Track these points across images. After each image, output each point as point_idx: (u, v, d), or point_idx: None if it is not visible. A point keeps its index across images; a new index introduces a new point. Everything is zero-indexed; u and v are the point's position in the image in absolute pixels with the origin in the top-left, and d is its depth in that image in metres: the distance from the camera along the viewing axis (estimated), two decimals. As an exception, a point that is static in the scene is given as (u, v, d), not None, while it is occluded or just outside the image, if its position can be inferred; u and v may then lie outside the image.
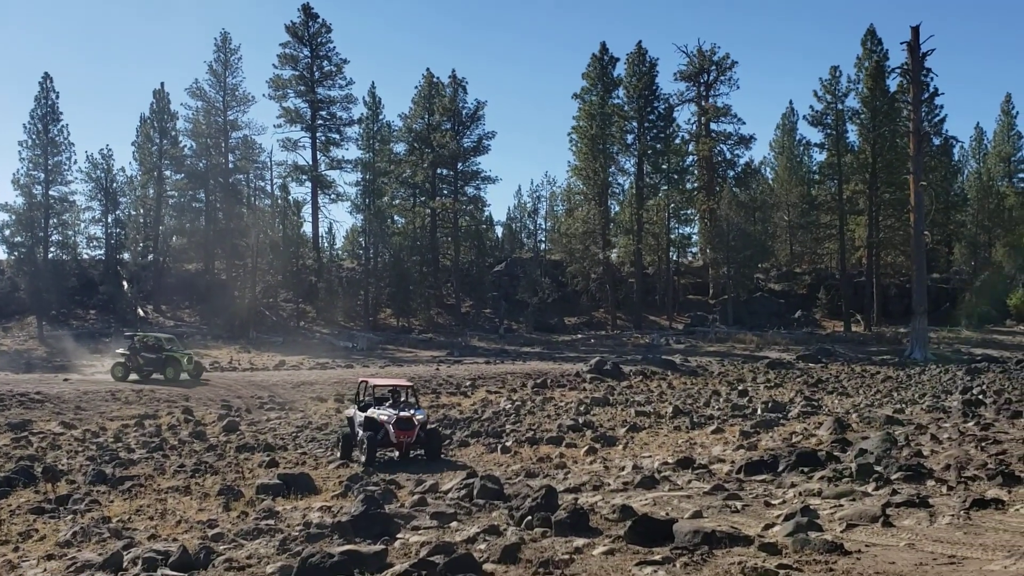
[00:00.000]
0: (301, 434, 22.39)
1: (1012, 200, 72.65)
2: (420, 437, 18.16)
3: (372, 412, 18.38)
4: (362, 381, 21.19)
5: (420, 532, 9.94)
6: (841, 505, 10.44)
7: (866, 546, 8.13)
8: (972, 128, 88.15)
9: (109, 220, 63.50)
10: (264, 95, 69.55)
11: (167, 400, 28.95)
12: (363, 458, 17.42)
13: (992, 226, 67.61)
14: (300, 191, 70.40)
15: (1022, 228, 67.14)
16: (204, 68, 67.98)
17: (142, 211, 67.58)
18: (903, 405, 24.16)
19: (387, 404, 19.07)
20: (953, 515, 9.38)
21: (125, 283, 61.74)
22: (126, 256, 66.07)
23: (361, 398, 20.04)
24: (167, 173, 66.84)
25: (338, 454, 18.48)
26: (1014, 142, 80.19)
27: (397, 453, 18.12)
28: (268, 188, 70.73)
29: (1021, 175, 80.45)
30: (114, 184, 63.39)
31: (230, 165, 67.21)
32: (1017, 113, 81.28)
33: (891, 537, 8.56)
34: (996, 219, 68.06)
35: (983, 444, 15.13)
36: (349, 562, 7.48)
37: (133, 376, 33.41)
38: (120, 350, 34.06)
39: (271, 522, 11.06)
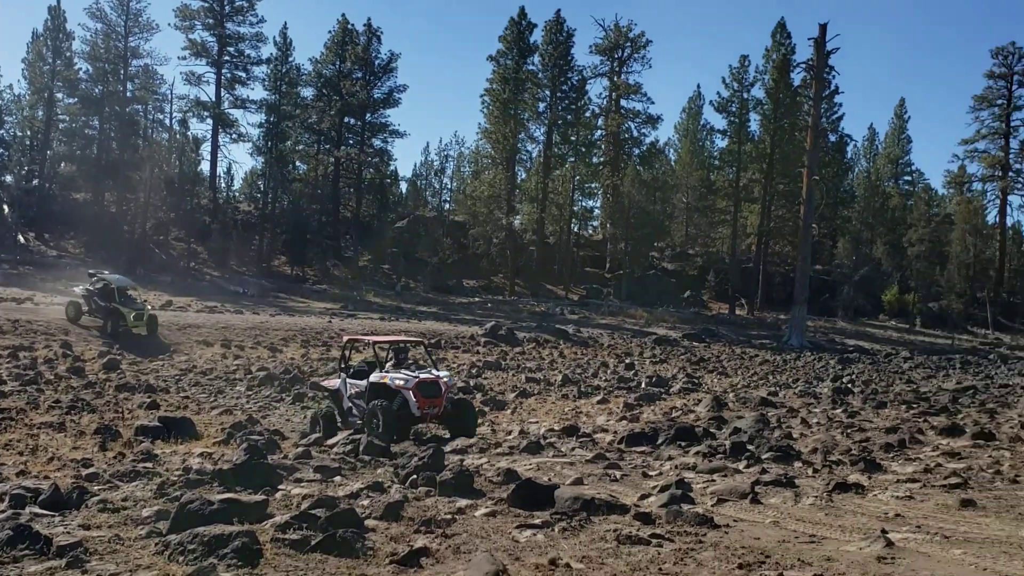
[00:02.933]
0: (185, 377, 21.88)
1: (896, 201, 76.23)
2: (446, 409, 14.92)
3: (379, 376, 14.99)
4: (350, 340, 17.74)
5: (303, 485, 9.90)
6: (713, 480, 10.89)
7: (734, 521, 8.53)
8: (866, 128, 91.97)
9: (-9, 139, 59.96)
10: (169, 24, 66.78)
11: (45, 333, 27.71)
12: (381, 433, 13.67)
13: (875, 224, 70.81)
14: (200, 127, 68.07)
15: (902, 228, 70.60)
16: (105, -12, 64.19)
17: (29, 133, 63.93)
18: (777, 388, 25.23)
19: (389, 366, 15.76)
20: (817, 496, 9.93)
21: (5, 207, 58.43)
22: (8, 179, 62.51)
23: (349, 361, 16.90)
24: (59, 96, 63.22)
25: (313, 439, 14.41)
26: (903, 145, 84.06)
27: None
28: (167, 122, 67.81)
29: (907, 178, 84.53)
30: (-1, 102, 59.78)
31: (128, 94, 64.05)
32: (909, 118, 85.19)
33: (758, 514, 9.01)
34: (880, 218, 71.32)
35: (848, 431, 15.98)
36: (229, 510, 7.40)
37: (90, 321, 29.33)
38: (78, 288, 30.20)
39: (149, 465, 10.82)
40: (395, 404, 14.40)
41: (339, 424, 15.42)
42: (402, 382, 14.61)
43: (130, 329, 27.89)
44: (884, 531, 7.74)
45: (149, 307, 29.62)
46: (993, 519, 8.99)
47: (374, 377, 15.06)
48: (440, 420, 15.12)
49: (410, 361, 16.60)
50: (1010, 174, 72.98)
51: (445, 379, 15.26)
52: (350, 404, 15.42)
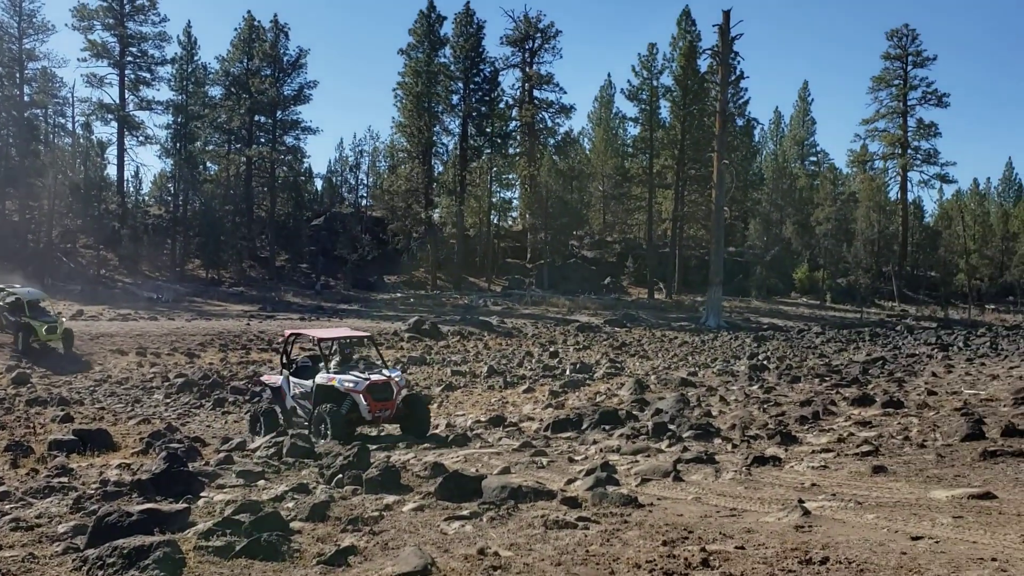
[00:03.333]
0: (99, 388, 21.21)
1: (803, 181, 78.48)
2: (398, 408, 14.38)
3: (326, 377, 14.21)
4: (291, 334, 16.66)
5: (226, 491, 9.74)
6: (637, 461, 11.10)
7: (658, 499, 8.71)
8: (772, 112, 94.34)
9: None
10: (67, 25, 64.19)
11: (-56, 350, 26.51)
12: (324, 442, 12.97)
13: (784, 205, 72.75)
14: (105, 131, 66.16)
15: (810, 208, 72.75)
16: (-6, -11, 61.49)
17: (-79, 142, 60.89)
18: (697, 368, 25.79)
19: (334, 364, 14.92)
20: (736, 471, 10.21)
21: None
22: (-101, 190, 59.38)
23: (291, 357, 16.19)
24: (-49, 101, 60.40)
25: (255, 439, 14.14)
26: (808, 127, 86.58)
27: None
28: (69, 126, 65.43)
29: (812, 158, 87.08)
30: None
31: (26, 98, 61.58)
32: (812, 100, 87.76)
33: (681, 491, 9.22)
34: (788, 199, 73.29)
35: (765, 406, 16.46)
36: (149, 521, 7.23)
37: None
38: None
39: (64, 480, 10.47)
40: (344, 408, 13.74)
41: (281, 423, 14.89)
42: (352, 384, 13.87)
43: (43, 344, 26.26)
44: (801, 501, 8.00)
45: (63, 320, 27.73)
46: (903, 483, 9.38)
47: (321, 378, 14.24)
48: (392, 421, 14.57)
49: (356, 357, 15.80)
50: (909, 151, 75.93)
51: (397, 379, 14.53)
52: (294, 404, 14.78)
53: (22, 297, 27.14)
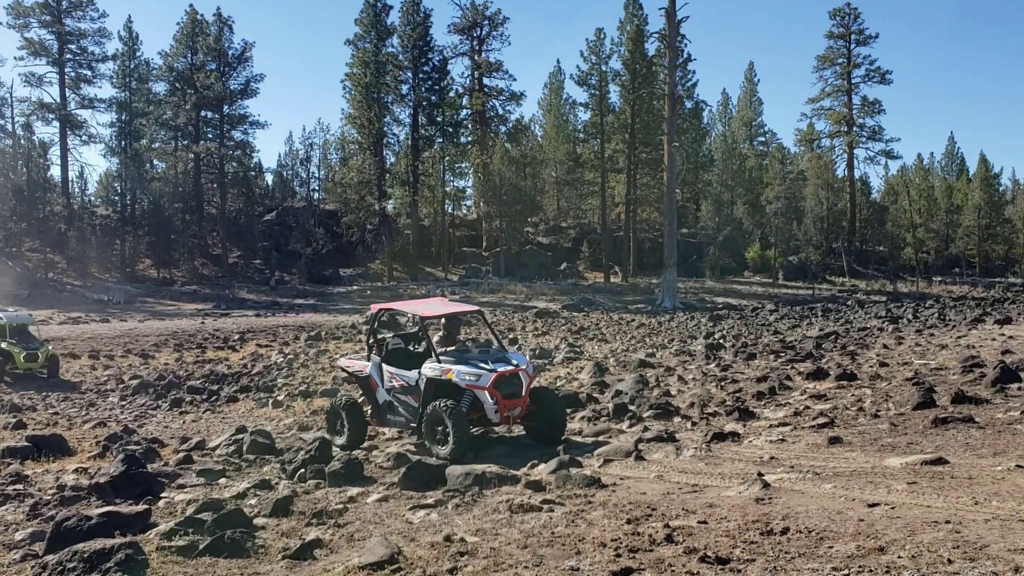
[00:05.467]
0: (52, 393, 20.77)
1: (752, 162, 79.42)
2: (528, 407, 11.47)
3: (439, 368, 11.19)
4: (380, 310, 13.42)
5: (186, 490, 9.63)
6: (599, 442, 11.19)
7: (621, 479, 8.81)
8: (719, 94, 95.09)
9: None
10: (2, 23, 62.52)
11: None
12: (445, 449, 10.57)
13: (735, 185, 73.57)
14: (47, 131, 64.41)
15: (759, 187, 73.66)
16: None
17: None
18: (654, 349, 25.99)
19: (443, 351, 11.73)
20: (696, 448, 10.35)
21: None
22: None
23: (381, 339, 12.99)
24: None
25: (340, 440, 11.93)
26: (755, 108, 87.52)
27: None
28: (9, 127, 63.79)
29: (760, 139, 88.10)
30: None
31: (-39, 99, 60.00)
32: (759, 81, 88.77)
33: (643, 470, 9.32)
34: (738, 179, 74.12)
35: (722, 383, 16.67)
36: (109, 524, 7.13)
37: None
38: None
39: (19, 487, 10.25)
40: (463, 406, 10.93)
41: (369, 419, 12.34)
42: (473, 377, 10.96)
43: (22, 371, 23.38)
44: (760, 474, 8.14)
45: (49, 346, 25.06)
46: (859, 453, 9.59)
47: (430, 369, 11.26)
48: (520, 422, 11.65)
49: (460, 339, 12.76)
50: (855, 129, 77.21)
51: (525, 368, 11.51)
52: (390, 399, 11.88)
53: (8, 321, 24.57)
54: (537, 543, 6.41)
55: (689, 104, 72.19)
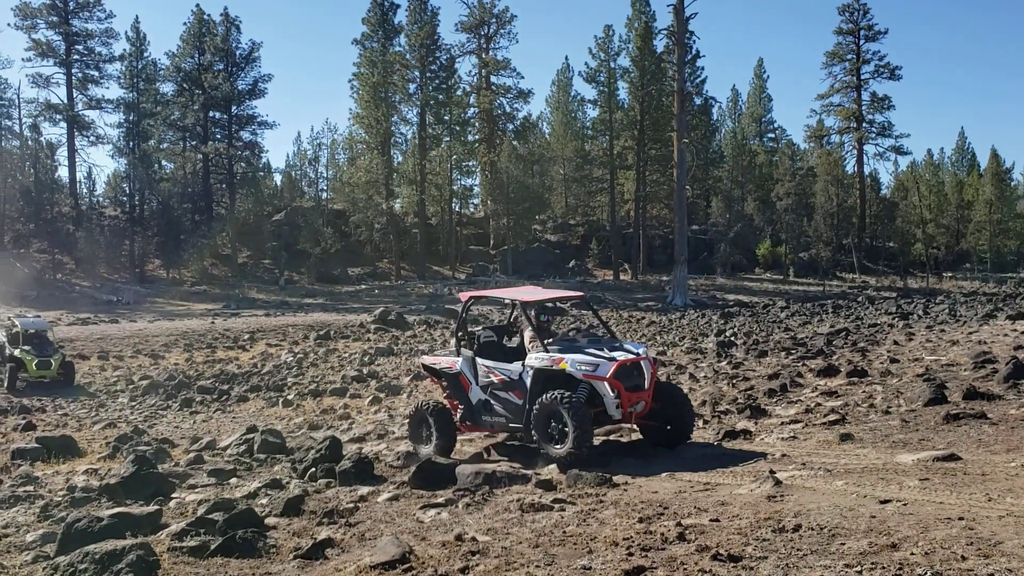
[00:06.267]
0: (62, 394, 20.86)
1: (762, 158, 79.16)
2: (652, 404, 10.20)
3: (549, 358, 9.91)
4: (472, 298, 12.18)
5: (197, 490, 9.65)
6: (609, 441, 11.16)
7: (632, 478, 8.78)
8: (729, 90, 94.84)
9: None
10: (9, 24, 62.80)
11: (-102, 363, 25.88)
12: (562, 448, 9.41)
13: (745, 181, 73.33)
14: (54, 132, 64.66)
15: (770, 184, 73.41)
16: (-68, -11, 60.19)
17: None
18: (665, 347, 25.95)
19: (549, 340, 10.46)
20: (708, 446, 10.31)
21: None
22: None
23: (470, 330, 11.79)
24: None
25: (427, 449, 10.67)
26: (765, 104, 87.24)
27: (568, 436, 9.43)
28: (16, 128, 64.06)
29: (770, 135, 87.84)
30: None
31: (-32, 101, 60.27)
32: (768, 77, 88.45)
33: (655, 469, 9.30)
34: (748, 175, 73.87)
35: (734, 381, 16.63)
36: (120, 524, 7.15)
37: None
38: None
39: (30, 488, 10.30)
40: (579, 395, 9.67)
41: (459, 423, 10.98)
42: (590, 367, 9.64)
43: (36, 379, 22.54)
44: (772, 471, 8.11)
45: (63, 352, 24.37)
46: (870, 449, 9.54)
47: (537, 359, 9.99)
48: (643, 419, 10.21)
49: (556, 330, 11.57)
50: (864, 125, 76.85)
51: (641, 353, 10.28)
52: (486, 397, 10.62)
53: (24, 328, 24.00)
54: (549, 542, 6.39)
55: (698, 100, 72.09)
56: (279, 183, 79.96)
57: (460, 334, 11.42)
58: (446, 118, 68.30)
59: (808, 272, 66.58)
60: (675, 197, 55.01)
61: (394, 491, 8.73)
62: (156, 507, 8.15)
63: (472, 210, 78.78)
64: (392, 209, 66.34)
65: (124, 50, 63.93)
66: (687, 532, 6.28)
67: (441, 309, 42.94)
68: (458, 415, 11.00)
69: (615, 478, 8.65)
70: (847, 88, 77.24)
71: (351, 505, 8.20)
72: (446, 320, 38.86)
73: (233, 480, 10.25)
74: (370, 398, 18.31)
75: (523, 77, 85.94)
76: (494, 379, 10.56)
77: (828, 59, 77.28)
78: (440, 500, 8.09)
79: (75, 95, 63.94)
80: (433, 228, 68.77)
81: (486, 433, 11.38)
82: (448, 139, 68.54)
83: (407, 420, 11.82)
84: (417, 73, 67.20)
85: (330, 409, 17.31)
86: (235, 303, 48.81)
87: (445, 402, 11.31)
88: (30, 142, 61.62)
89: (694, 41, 60.55)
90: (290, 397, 18.95)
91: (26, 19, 61.82)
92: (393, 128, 68.56)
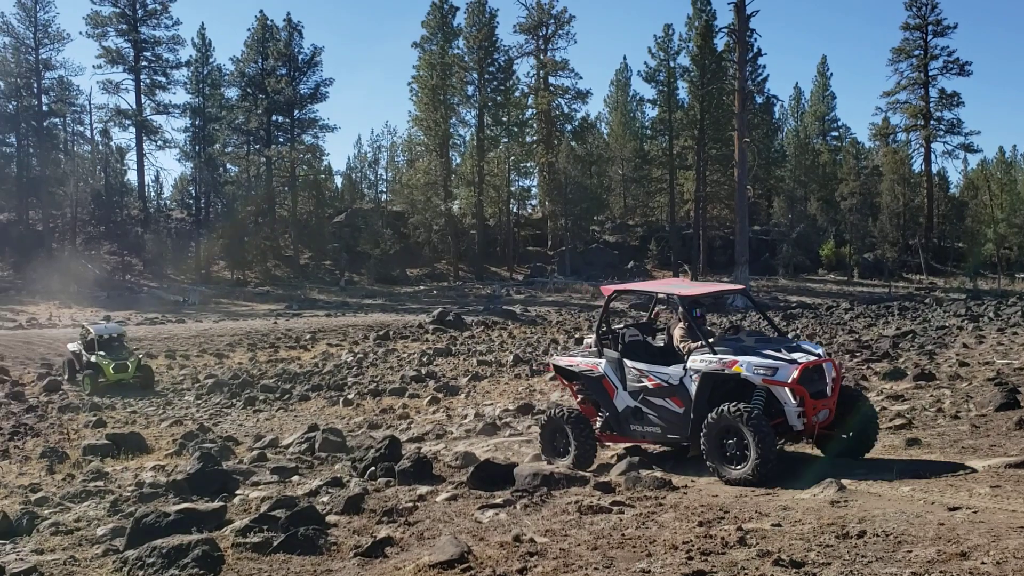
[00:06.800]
0: (130, 392, 21.43)
1: (825, 157, 77.68)
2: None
3: (718, 360, 8.85)
4: (616, 292, 11.36)
5: (260, 487, 9.82)
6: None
7: (692, 481, 8.69)
8: (791, 88, 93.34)
9: (-98, 164, 57.70)
10: (81, 33, 64.87)
11: (-23, 360, 26.93)
12: (742, 469, 8.41)
13: (808, 181, 72.09)
14: (124, 137, 66.49)
15: (833, 183, 72.03)
16: (11, 1, 62.66)
17: (-57, 155, 61.79)
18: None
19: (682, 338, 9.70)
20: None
21: (-77, 234, 56.44)
22: (-76, 204, 60.39)
23: (616, 325, 11.24)
24: (-29, 114, 61.26)
25: (563, 461, 9.83)
26: (828, 102, 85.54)
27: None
28: (88, 133, 66.23)
29: (834, 133, 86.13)
30: (-92, 125, 57.51)
31: (44, 107, 62.35)
32: (831, 75, 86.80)
33: (713, 471, 9.18)
34: (811, 175, 72.59)
35: (796, 384, 16.32)
36: (186, 520, 7.31)
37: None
38: (72, 345, 24.70)
39: (100, 483, 10.61)
40: (756, 404, 8.57)
41: (599, 431, 10.04)
42: (769, 371, 8.57)
43: (114, 382, 22.53)
44: (836, 476, 7.94)
45: (139, 355, 24.46)
46: (938, 455, 9.30)
47: (705, 362, 8.94)
48: (827, 427, 9.04)
49: (709, 327, 10.56)
50: (932, 122, 74.85)
51: (827, 357, 9.40)
52: (635, 404, 9.60)
53: (99, 333, 24.06)
54: (607, 545, 6.35)
55: (760, 99, 71.08)
56: (340, 185, 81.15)
57: (602, 333, 10.33)
58: (504, 119, 68.50)
59: (873, 273, 65.12)
60: (736, 197, 54.32)
61: (452, 491, 8.77)
62: (221, 503, 8.31)
63: (530, 211, 78.86)
64: (450, 210, 66.76)
65: (190, 56, 65.61)
66: (748, 536, 6.19)
67: (499, 310, 43.04)
68: (598, 424, 10.03)
69: (675, 480, 8.56)
70: (914, 85, 75.33)
71: (410, 504, 8.26)
72: (504, 321, 38.93)
73: (295, 478, 10.41)
74: (428, 398, 18.43)
75: (581, 77, 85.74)
76: (647, 384, 9.50)
77: (894, 55, 75.48)
78: (498, 501, 8.10)
79: (143, 101, 65.78)
80: (491, 229, 69.01)
81: (628, 444, 10.37)
82: (506, 140, 68.74)
83: (539, 429, 10.65)
84: (475, 75, 67.55)
85: (389, 409, 17.48)
86: (297, 304, 49.61)
87: (579, 409, 10.29)
88: (100, 147, 63.56)
89: (755, 39, 59.78)
90: (350, 396, 19.18)
91: (97, 27, 63.76)
92: (451, 130, 69.05)
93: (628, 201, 76.41)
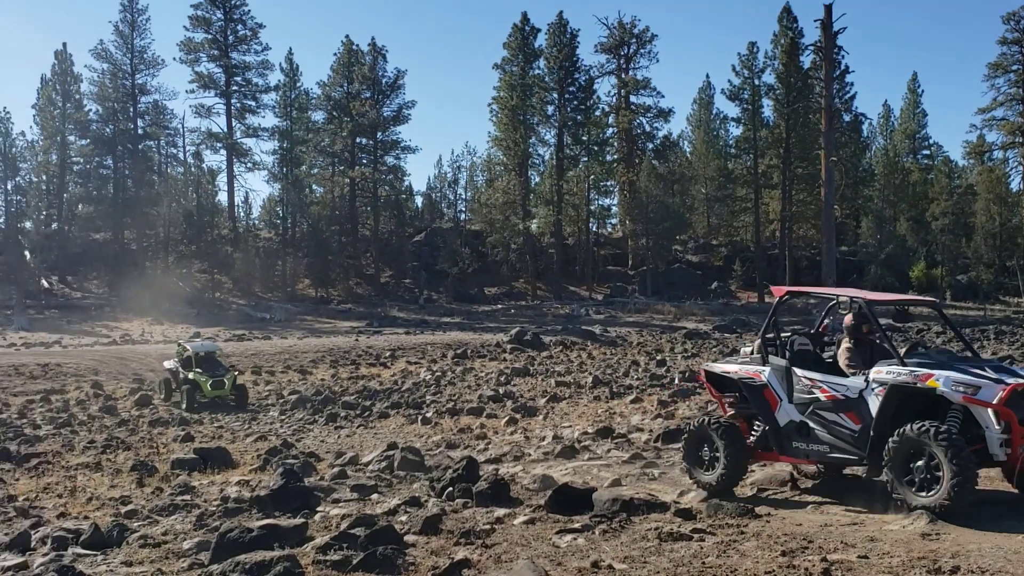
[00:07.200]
0: (218, 407, 22.00)
1: (916, 176, 75.42)
2: None
3: (909, 373, 7.95)
4: (788, 294, 10.54)
5: (341, 505, 9.92)
6: (752, 470, 10.78)
7: (775, 509, 8.44)
8: (880, 106, 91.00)
9: (8, 187, 60.65)
10: (175, 58, 67.59)
11: (75, 375, 28.08)
12: (934, 495, 7.48)
13: (897, 201, 70.08)
14: (215, 159, 68.81)
15: (924, 203, 69.83)
16: (110, 28, 65.66)
17: (44, 178, 64.81)
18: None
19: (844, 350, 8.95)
20: (858, 478, 9.79)
21: (27, 253, 59.24)
22: (28, 225, 63.42)
23: (781, 335, 9.58)
24: (71, 138, 64.42)
25: (708, 477, 9.20)
26: (919, 120, 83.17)
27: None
28: (181, 155, 68.83)
29: (925, 152, 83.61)
30: (13, 149, 60.53)
31: (139, 131, 65.07)
32: (923, 92, 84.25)
33: (799, 500, 8.92)
34: (901, 194, 70.57)
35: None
36: (269, 536, 7.43)
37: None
38: (168, 362, 25.05)
39: (187, 497, 10.88)
40: (949, 425, 7.70)
41: (752, 444, 9.26)
42: (970, 390, 7.61)
43: (210, 399, 22.78)
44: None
45: (235, 372, 24.73)
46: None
47: (892, 374, 8.04)
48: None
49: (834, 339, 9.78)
50: (1030, 139, 71.98)
51: None
52: (802, 418, 8.76)
53: (196, 351, 24.38)
54: (687, 573, 6.21)
55: (847, 117, 69.50)
56: (420, 205, 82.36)
57: (768, 339, 9.38)
58: (584, 138, 68.55)
59: (967, 296, 62.73)
60: (823, 217, 53.14)
61: (530, 514, 8.70)
62: (302, 520, 8.43)
63: (610, 230, 78.56)
64: (529, 229, 66.97)
65: (279, 81, 67.56)
66: (833, 568, 5.98)
67: (578, 330, 42.84)
68: (753, 438, 9.25)
69: (757, 508, 8.34)
70: (1012, 101, 72.49)
71: (487, 526, 8.22)
72: (583, 342, 38.72)
73: (374, 496, 10.49)
74: (506, 418, 18.39)
75: (663, 96, 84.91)
76: (820, 396, 8.60)
77: (991, 71, 72.79)
78: (576, 525, 8.01)
79: (234, 124, 67.94)
80: (570, 248, 68.94)
81: (788, 463, 9.48)
82: (586, 159, 68.74)
83: (683, 437, 9.86)
84: (555, 95, 67.82)
85: (467, 428, 17.50)
86: (377, 321, 50.32)
87: (731, 423, 9.39)
88: (193, 169, 65.91)
89: (842, 56, 58.41)
90: (428, 415, 19.29)
91: (190, 53, 66.26)
92: (531, 149, 69.36)
93: (711, 220, 75.46)
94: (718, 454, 9.10)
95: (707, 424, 9.33)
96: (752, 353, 9.58)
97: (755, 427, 9.26)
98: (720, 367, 9.85)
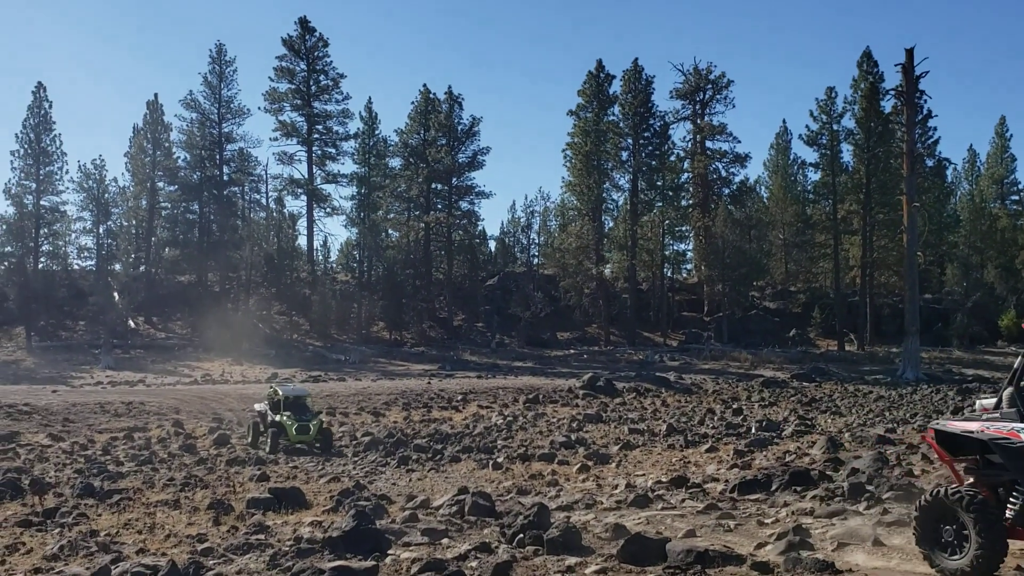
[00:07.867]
0: (292, 448, 22.27)
1: (1004, 222, 73.00)
2: None
3: None
4: None
5: (411, 548, 9.88)
6: (833, 524, 10.42)
7: (857, 565, 8.10)
8: (965, 150, 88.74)
9: (100, 231, 63.38)
10: (260, 108, 69.75)
11: (157, 413, 28.85)
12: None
13: (984, 247, 67.87)
14: (295, 204, 70.51)
15: (1014, 250, 67.41)
16: (199, 79, 68.31)
17: (134, 222, 67.34)
18: (895, 424, 24.15)
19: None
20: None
21: (116, 294, 61.44)
22: (117, 267, 65.87)
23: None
24: (160, 184, 66.88)
25: (957, 561, 7.62)
26: (1007, 164, 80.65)
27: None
28: (263, 201, 70.84)
29: (1014, 197, 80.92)
30: (106, 195, 63.22)
31: (224, 177, 67.33)
32: (1011, 136, 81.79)
33: (882, 556, 8.55)
34: (988, 240, 68.35)
35: (976, 465, 15.09)
36: (339, 578, 7.43)
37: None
38: (258, 405, 24.92)
39: (261, 537, 10.97)
40: None
41: (1011, 521, 7.76)
42: None
43: (295, 444, 22.47)
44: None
45: (323, 419, 24.42)
46: None
47: None
48: None
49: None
50: None
51: None
52: None
53: (286, 395, 24.10)
54: (766, 632, 5.96)
55: (931, 162, 67.87)
56: (493, 249, 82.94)
57: (1022, 385, 8.07)
58: (659, 183, 68.35)
59: (1062, 346, 60.09)
60: (905, 263, 51.58)
61: (602, 564, 8.52)
62: (373, 563, 8.42)
63: (685, 275, 77.76)
64: (602, 274, 66.74)
65: (358, 128, 69.18)
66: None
67: (652, 377, 42.30)
68: (1011, 512, 7.74)
69: (838, 563, 8.01)
70: (1106, 144, 69.97)
71: (558, 575, 8.07)
72: (656, 388, 38.20)
73: (445, 540, 10.42)
74: (578, 465, 18.17)
75: (739, 141, 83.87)
76: None
77: (1082, 113, 70.53)
78: (649, 577, 7.81)
79: (314, 170, 69.76)
80: (644, 293, 68.42)
81: None
82: (660, 204, 68.45)
83: (916, 512, 8.21)
84: (630, 140, 67.91)
85: (538, 474, 17.33)
86: (450, 364, 50.56)
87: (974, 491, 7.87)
88: (275, 214, 67.73)
89: (925, 100, 57.10)
90: (499, 460, 19.18)
91: (274, 103, 68.47)
92: (604, 194, 69.43)
93: (789, 267, 74.09)
94: (966, 532, 7.61)
95: (947, 496, 7.83)
96: (999, 407, 8.18)
97: (1013, 498, 7.78)
98: (959, 425, 8.45)
